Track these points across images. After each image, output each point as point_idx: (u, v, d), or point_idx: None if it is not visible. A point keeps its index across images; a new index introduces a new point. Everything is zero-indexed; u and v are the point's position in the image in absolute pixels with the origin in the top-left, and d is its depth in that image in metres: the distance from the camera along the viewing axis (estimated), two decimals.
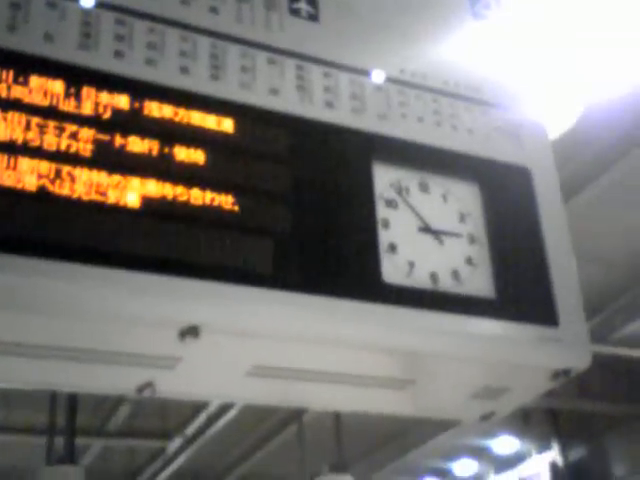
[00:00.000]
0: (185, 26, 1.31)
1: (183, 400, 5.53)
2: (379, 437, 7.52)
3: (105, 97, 1.20)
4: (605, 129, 3.68)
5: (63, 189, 1.12)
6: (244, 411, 5.98)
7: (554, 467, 7.47)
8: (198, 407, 6.18)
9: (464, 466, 8.63)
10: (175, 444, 6.82)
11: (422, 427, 7.12)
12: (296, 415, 6.25)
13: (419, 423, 6.99)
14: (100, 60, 1.22)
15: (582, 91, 3.05)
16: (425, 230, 1.37)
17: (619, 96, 3.31)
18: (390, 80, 1.45)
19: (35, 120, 1.14)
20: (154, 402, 6.08)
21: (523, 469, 7.94)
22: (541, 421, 7.32)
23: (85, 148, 1.16)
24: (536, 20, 1.70)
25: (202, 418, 6.27)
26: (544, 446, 7.61)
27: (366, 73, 1.44)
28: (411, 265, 1.33)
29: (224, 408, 6.03)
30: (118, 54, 1.24)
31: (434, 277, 1.34)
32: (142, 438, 6.93)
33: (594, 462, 7.32)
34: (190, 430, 6.55)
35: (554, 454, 7.47)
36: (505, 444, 8.02)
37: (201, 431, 6.50)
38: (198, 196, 1.20)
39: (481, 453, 8.33)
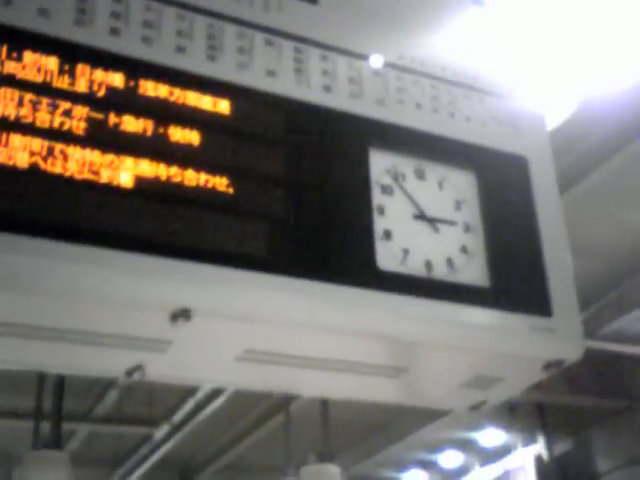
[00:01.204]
0: (182, 5, 1.30)
1: (171, 387, 5.52)
2: (365, 428, 7.53)
3: (100, 75, 1.18)
4: (602, 122, 3.67)
5: (55, 167, 1.10)
6: (231, 399, 5.97)
7: (539, 460, 7.51)
8: (185, 394, 6.17)
9: (449, 458, 8.65)
10: (162, 431, 6.81)
11: (408, 418, 7.13)
12: (283, 404, 6.25)
13: (405, 414, 7.01)
14: (96, 37, 1.21)
15: (581, 82, 3.04)
16: (420, 217, 1.36)
17: (617, 89, 3.31)
18: (388, 65, 1.44)
19: (28, 96, 1.12)
20: (142, 388, 6.07)
21: (508, 462, 7.97)
22: (527, 414, 7.34)
23: (78, 126, 1.14)
24: (536, 8, 1.69)
25: (189, 405, 6.26)
26: (530, 439, 7.64)
27: (364, 57, 1.42)
28: (406, 252, 1.31)
29: (211, 396, 6.02)
30: (114, 31, 1.23)
31: (429, 265, 1.33)
32: (129, 424, 6.91)
33: (579, 456, 7.35)
34: (177, 417, 6.54)
35: (539, 447, 7.50)
36: (491, 437, 8.04)
37: (188, 418, 6.49)
38: (192, 177, 1.18)
39: (467, 445, 8.35)
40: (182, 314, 1.13)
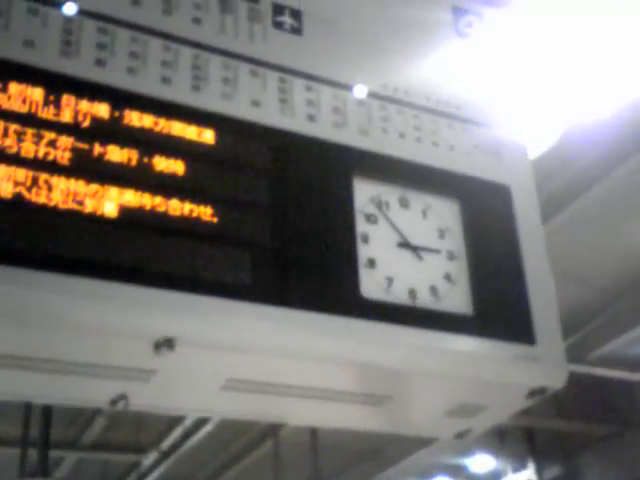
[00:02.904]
0: (168, 36, 1.31)
1: (158, 414, 5.48)
2: (355, 454, 7.48)
3: (85, 105, 1.19)
4: (585, 150, 3.71)
5: (40, 197, 1.10)
6: (220, 426, 5.93)
7: None
8: (173, 421, 6.12)
9: None
10: (150, 458, 6.75)
11: (398, 444, 7.10)
12: (272, 431, 6.21)
13: (395, 440, 6.97)
14: (81, 68, 1.22)
15: (563, 112, 3.08)
16: (404, 246, 1.37)
17: (599, 119, 3.34)
18: (372, 95, 1.45)
19: (13, 127, 1.13)
20: (129, 416, 6.02)
21: None
22: (517, 440, 7.32)
23: (63, 156, 1.14)
24: (518, 39, 1.71)
25: (177, 433, 6.21)
26: (520, 465, 7.60)
27: (348, 88, 1.44)
28: (390, 280, 1.32)
29: (199, 423, 5.98)
30: (99, 62, 1.24)
31: (412, 293, 1.33)
32: (117, 452, 6.85)
33: None
34: (165, 444, 6.49)
35: (529, 473, 7.46)
36: (481, 462, 7.99)
37: (176, 446, 6.44)
38: (177, 207, 1.19)
39: (457, 471, 8.30)
40: (165, 343, 1.13)
